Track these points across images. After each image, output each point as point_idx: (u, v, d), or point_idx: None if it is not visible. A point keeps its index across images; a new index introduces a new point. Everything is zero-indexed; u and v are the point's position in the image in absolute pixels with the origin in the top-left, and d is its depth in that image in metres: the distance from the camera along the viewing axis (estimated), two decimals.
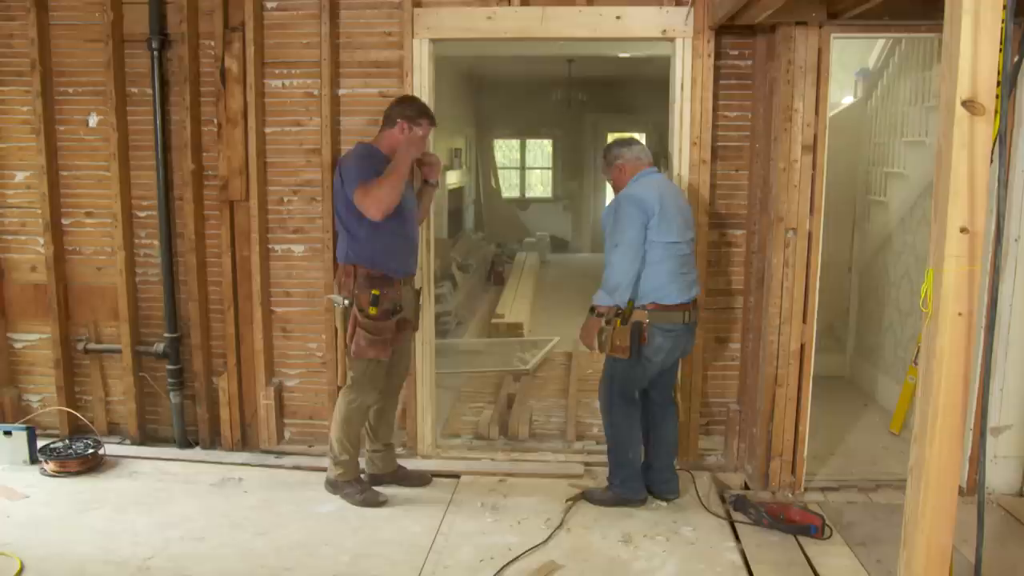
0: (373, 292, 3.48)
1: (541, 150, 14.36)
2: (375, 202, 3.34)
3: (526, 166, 14.30)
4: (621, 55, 8.15)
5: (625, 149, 3.61)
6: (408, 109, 3.57)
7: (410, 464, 4.04)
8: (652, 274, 3.42)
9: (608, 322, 3.47)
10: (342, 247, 3.59)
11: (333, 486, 3.74)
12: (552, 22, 3.84)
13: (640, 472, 3.68)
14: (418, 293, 3.89)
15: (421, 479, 3.90)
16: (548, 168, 14.14)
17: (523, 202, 13.90)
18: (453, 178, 10.48)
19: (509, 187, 14.09)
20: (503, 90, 12.25)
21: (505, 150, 14.32)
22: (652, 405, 3.72)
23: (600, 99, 11.80)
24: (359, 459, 3.78)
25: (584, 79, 11.08)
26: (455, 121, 10.88)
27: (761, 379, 3.77)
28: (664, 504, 3.68)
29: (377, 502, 3.67)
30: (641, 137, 13.60)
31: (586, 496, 3.71)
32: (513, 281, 9.04)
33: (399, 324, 3.62)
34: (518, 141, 14.13)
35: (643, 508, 3.63)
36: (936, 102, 4.39)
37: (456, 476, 3.98)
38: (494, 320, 7.01)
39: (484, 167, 13.12)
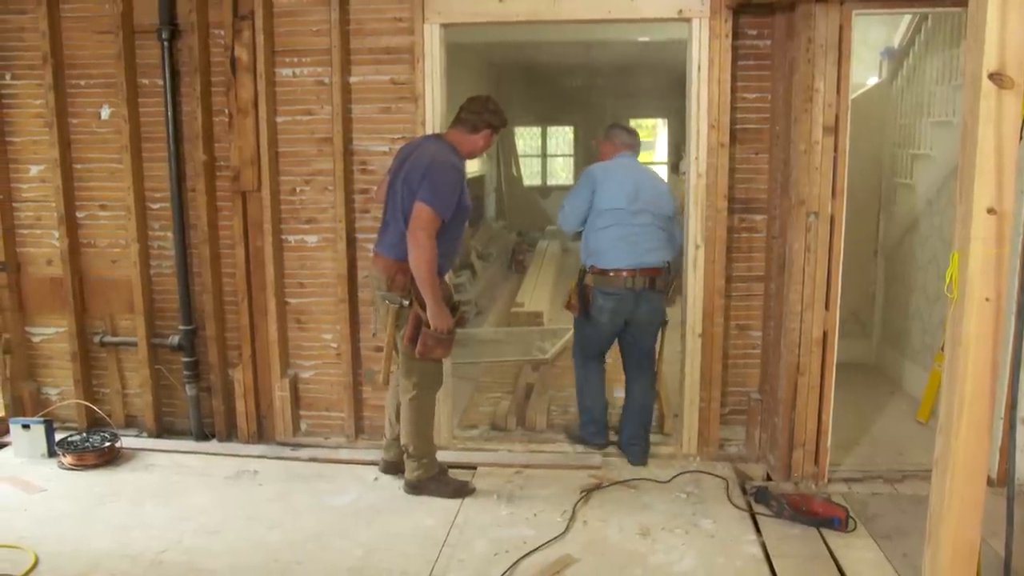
0: None
1: (563, 137, 14.24)
2: (417, 247, 3.24)
3: (548, 153, 14.18)
4: (641, 39, 8.03)
5: (611, 133, 4.07)
6: (495, 119, 3.49)
7: None
8: (595, 239, 3.81)
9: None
10: (394, 242, 3.40)
11: (415, 487, 3.62)
12: (564, 4, 3.75)
13: (600, 420, 4.06)
14: None
15: None
16: (570, 155, 14.02)
17: (545, 190, 13.79)
18: (474, 166, 10.40)
19: (531, 175, 13.99)
20: (524, 77, 12.13)
21: (527, 138, 14.22)
22: (626, 372, 4.07)
23: (621, 85, 11.65)
24: (435, 453, 3.72)
25: (605, 65, 10.95)
26: None
27: (783, 367, 3.68)
28: (683, 496, 3.61)
29: (467, 490, 3.64)
30: (663, 123, 13.46)
31: (565, 430, 4.22)
32: (534, 269, 8.96)
33: (459, 322, 3.56)
34: (539, 128, 14.01)
35: (662, 500, 3.56)
36: (964, 80, 4.26)
37: (472, 467, 3.93)
38: (514, 309, 6.94)
39: (505, 155, 13.03)
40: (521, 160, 13.65)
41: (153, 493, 3.70)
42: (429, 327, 3.35)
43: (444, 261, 3.46)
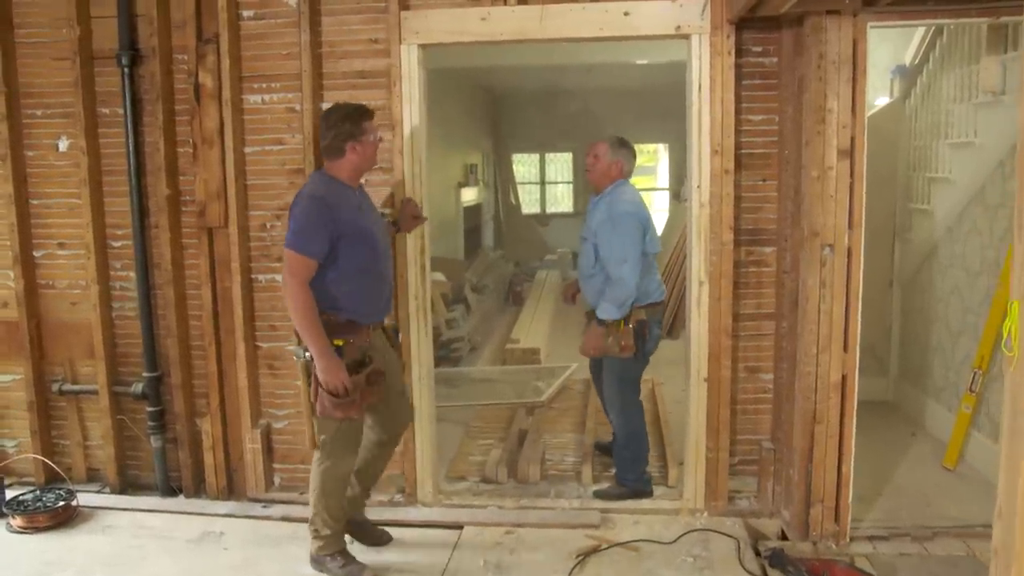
0: (336, 343, 2.97)
1: (563, 164, 13.96)
2: (287, 295, 2.91)
3: (547, 180, 13.92)
4: (639, 62, 7.78)
5: (623, 153, 3.88)
6: (346, 126, 3.02)
7: (410, 514, 3.68)
8: (646, 277, 3.78)
9: (608, 328, 3.71)
10: None
11: (316, 562, 3.24)
12: (552, 21, 3.45)
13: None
14: (394, 334, 3.40)
15: (381, 537, 3.44)
16: (569, 182, 13.75)
17: (544, 218, 13.51)
18: (470, 195, 10.13)
19: (530, 202, 13.72)
20: (520, 103, 11.91)
21: (526, 164, 13.95)
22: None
23: (621, 109, 11.41)
24: (344, 528, 3.31)
25: (604, 89, 10.72)
26: (471, 135, 10.53)
27: (797, 414, 3.34)
28: (690, 560, 3.25)
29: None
30: (664, 148, 13.22)
31: (599, 495, 3.81)
32: (532, 302, 8.62)
33: (370, 378, 3.05)
34: (538, 155, 13.75)
35: (667, 565, 3.21)
36: (987, 97, 3.96)
37: (459, 527, 3.58)
38: (509, 345, 6.58)
39: (503, 182, 12.77)
40: (520, 187, 13.38)
41: (106, 560, 3.37)
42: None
43: (356, 302, 3.05)
